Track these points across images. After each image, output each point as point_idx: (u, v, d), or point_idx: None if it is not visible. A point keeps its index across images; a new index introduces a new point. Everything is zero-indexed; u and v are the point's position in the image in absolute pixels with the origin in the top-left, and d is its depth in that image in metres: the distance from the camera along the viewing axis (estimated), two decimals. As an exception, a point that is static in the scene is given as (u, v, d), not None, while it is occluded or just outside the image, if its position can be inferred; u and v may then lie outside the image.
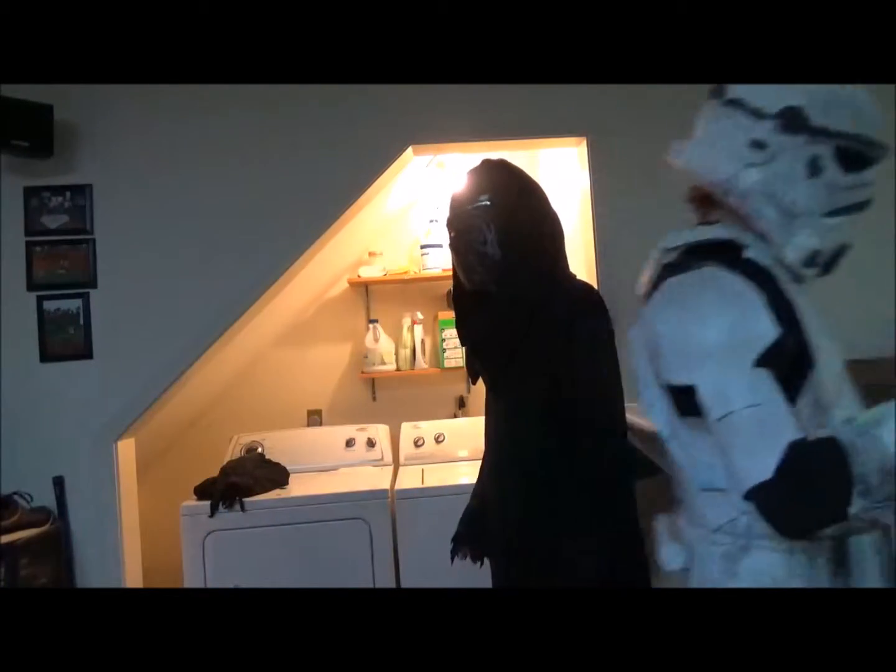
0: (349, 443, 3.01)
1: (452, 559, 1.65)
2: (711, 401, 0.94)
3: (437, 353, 3.40)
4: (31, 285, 2.38)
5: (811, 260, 1.01)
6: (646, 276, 1.14)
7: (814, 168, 0.97)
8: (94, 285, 2.41)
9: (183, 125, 2.46)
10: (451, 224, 1.53)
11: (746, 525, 1.00)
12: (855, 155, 0.98)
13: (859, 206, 1.02)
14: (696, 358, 0.96)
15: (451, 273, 1.61)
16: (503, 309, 1.47)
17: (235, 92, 2.40)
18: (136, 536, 2.51)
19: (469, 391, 3.40)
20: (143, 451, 2.66)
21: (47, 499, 2.31)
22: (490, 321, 1.50)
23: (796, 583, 1.00)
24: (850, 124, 0.98)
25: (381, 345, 3.30)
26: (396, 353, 3.35)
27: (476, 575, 1.65)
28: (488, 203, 1.47)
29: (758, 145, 0.98)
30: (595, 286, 2.54)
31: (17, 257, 2.37)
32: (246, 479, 2.48)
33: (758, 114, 0.99)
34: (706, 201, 1.09)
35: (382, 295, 3.46)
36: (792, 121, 0.97)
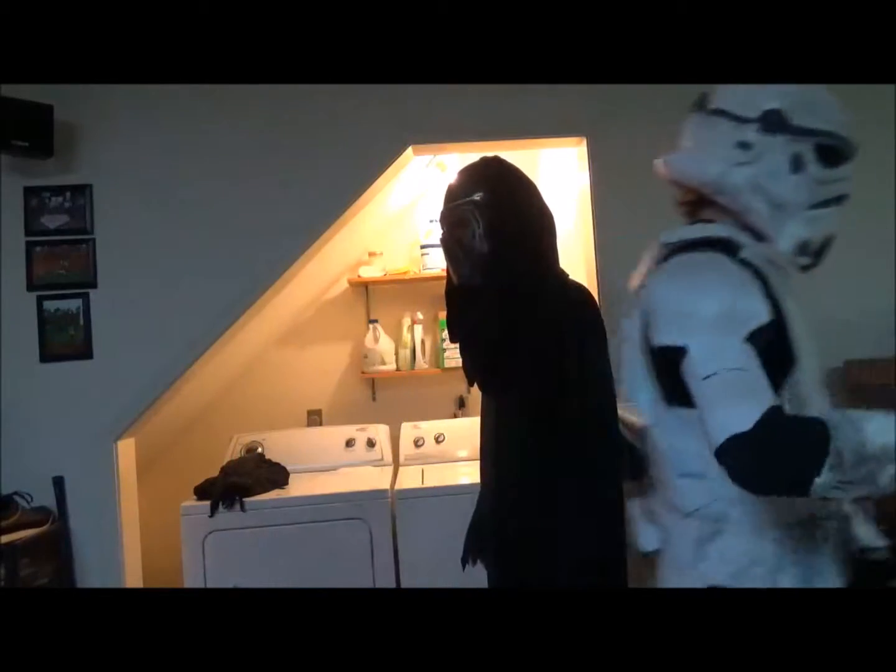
0: (349, 443, 3.01)
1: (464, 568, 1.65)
2: (700, 361, 1.00)
3: (437, 353, 3.40)
4: (31, 285, 2.38)
5: (802, 249, 1.08)
6: (642, 268, 1.21)
7: (797, 164, 1.06)
8: (94, 285, 2.41)
9: (183, 125, 2.46)
10: (443, 219, 1.53)
11: (718, 511, 1.07)
12: (832, 151, 1.07)
13: (839, 199, 1.09)
14: (692, 322, 1.02)
15: (446, 273, 1.61)
16: (490, 305, 1.46)
17: (235, 92, 2.40)
18: (136, 536, 2.51)
19: (469, 391, 3.40)
20: (143, 451, 2.66)
21: (47, 499, 2.31)
22: (477, 318, 1.49)
23: (759, 569, 1.05)
24: (825, 123, 1.07)
25: (381, 345, 3.30)
26: (396, 353, 3.35)
27: (476, 575, 1.65)
28: (478, 198, 1.46)
29: (744, 146, 1.06)
30: (593, 286, 2.55)
31: (17, 257, 2.37)
32: (246, 479, 2.48)
33: (741, 119, 1.07)
34: (697, 204, 1.16)
35: (382, 295, 3.46)
36: (773, 122, 1.05)
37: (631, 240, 2.58)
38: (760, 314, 1.01)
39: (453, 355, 3.31)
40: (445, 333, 3.26)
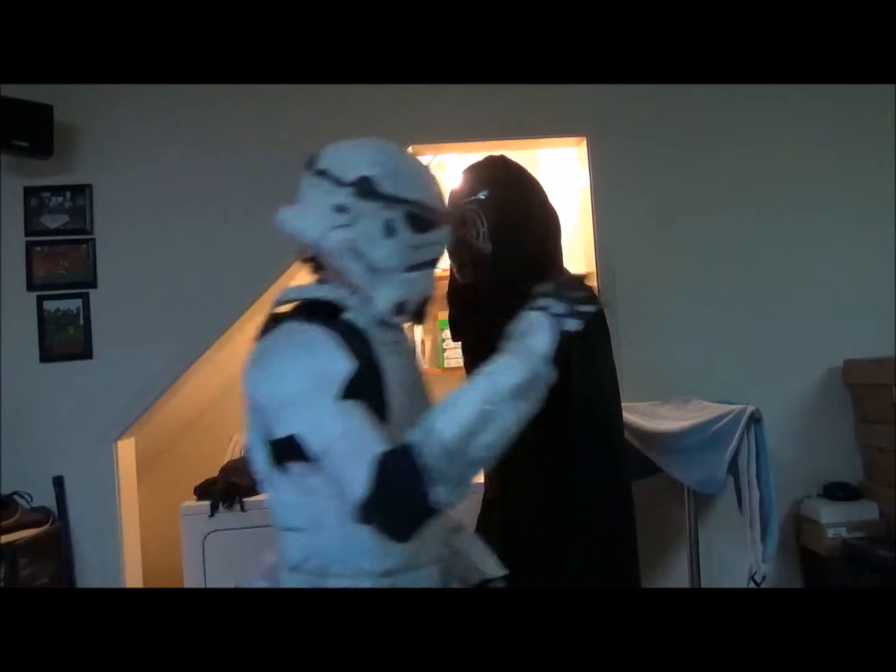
0: (349, 443, 3.00)
1: None
2: (310, 442, 1.02)
3: (437, 353, 3.39)
4: (31, 285, 2.38)
5: (399, 309, 1.13)
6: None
7: (389, 230, 1.10)
8: (94, 285, 2.41)
9: (183, 125, 2.46)
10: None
11: (319, 565, 1.08)
12: (420, 219, 1.13)
13: (431, 263, 1.17)
14: (287, 410, 1.05)
15: (450, 272, 1.61)
16: (494, 304, 1.46)
17: (235, 92, 2.40)
18: (136, 536, 2.51)
19: (469, 391, 3.39)
20: (143, 451, 2.66)
21: (47, 499, 2.31)
22: (481, 317, 1.49)
23: None
24: (412, 192, 1.13)
25: (381, 345, 3.30)
26: (396, 353, 3.35)
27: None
28: (483, 198, 1.46)
29: (341, 209, 1.11)
30: (593, 285, 2.54)
31: (17, 257, 2.37)
32: (246, 479, 2.47)
33: (339, 182, 1.12)
34: (317, 262, 1.20)
35: (382, 295, 3.45)
36: (365, 189, 1.11)
37: (631, 239, 2.60)
38: (343, 366, 1.03)
39: (453, 355, 3.31)
40: (445, 333, 3.29)
